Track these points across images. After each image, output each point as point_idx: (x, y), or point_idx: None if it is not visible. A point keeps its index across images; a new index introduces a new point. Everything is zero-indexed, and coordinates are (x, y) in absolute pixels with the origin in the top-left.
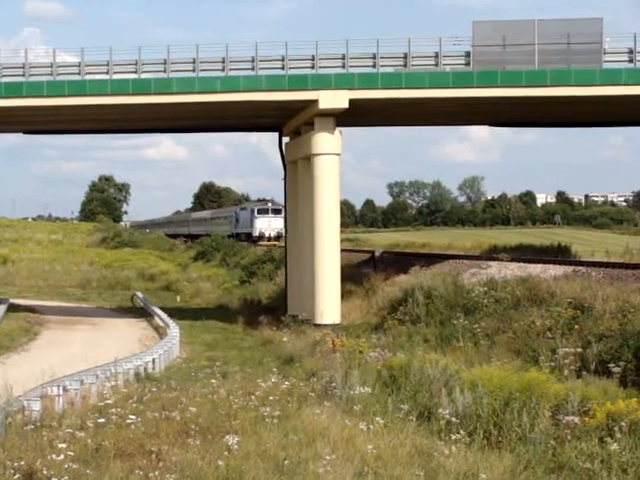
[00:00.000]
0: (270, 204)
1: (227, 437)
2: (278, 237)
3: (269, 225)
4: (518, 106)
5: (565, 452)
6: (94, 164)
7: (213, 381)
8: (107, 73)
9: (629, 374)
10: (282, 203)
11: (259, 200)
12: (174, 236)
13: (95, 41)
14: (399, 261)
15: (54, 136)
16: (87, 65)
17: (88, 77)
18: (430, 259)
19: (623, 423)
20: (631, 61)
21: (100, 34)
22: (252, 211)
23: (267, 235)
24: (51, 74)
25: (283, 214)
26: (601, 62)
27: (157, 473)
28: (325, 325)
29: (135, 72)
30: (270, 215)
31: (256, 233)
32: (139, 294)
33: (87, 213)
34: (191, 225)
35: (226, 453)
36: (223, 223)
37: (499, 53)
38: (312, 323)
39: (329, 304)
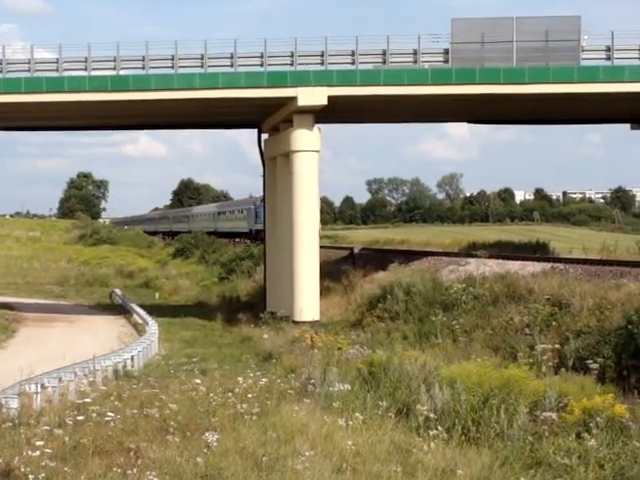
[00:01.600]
0: None
1: (206, 434)
2: None
3: None
4: (496, 103)
5: (543, 448)
6: (72, 161)
7: (197, 380)
8: (85, 70)
9: (607, 370)
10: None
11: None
12: (171, 234)
13: (73, 37)
14: (378, 258)
15: (31, 133)
16: (65, 61)
17: (66, 74)
18: (409, 256)
19: (600, 419)
20: (609, 58)
21: (79, 30)
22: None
23: None
24: (29, 70)
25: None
26: (579, 59)
27: (135, 470)
28: (304, 322)
29: (114, 69)
30: None
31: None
32: (117, 291)
33: (65, 210)
34: (192, 221)
35: (205, 450)
36: (237, 218)
37: (477, 50)
38: (291, 320)
39: (308, 301)
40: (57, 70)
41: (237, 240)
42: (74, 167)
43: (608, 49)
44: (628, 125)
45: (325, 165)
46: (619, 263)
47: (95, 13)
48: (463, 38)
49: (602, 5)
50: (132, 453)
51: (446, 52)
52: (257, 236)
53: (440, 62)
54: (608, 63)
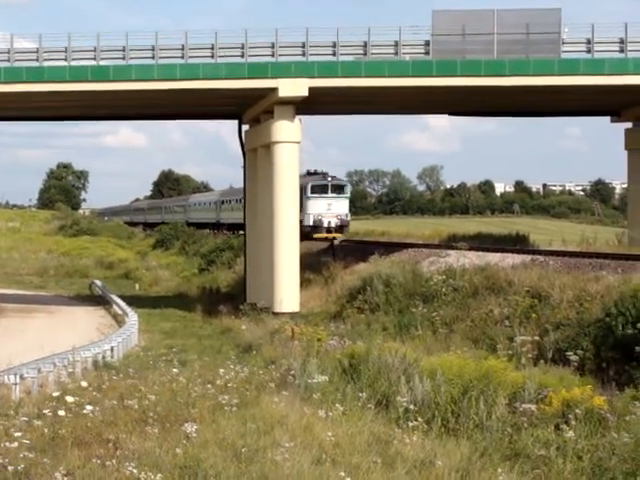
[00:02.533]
0: (330, 178)
1: (185, 425)
2: (342, 227)
3: (329, 209)
4: (477, 95)
5: (521, 439)
6: (52, 152)
7: (174, 370)
8: (65, 60)
9: (586, 362)
10: (344, 179)
11: (310, 173)
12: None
13: (53, 27)
14: (358, 249)
15: (10, 123)
16: (45, 51)
17: (46, 63)
18: (389, 248)
19: (578, 410)
20: (589, 51)
21: (59, 20)
22: (302, 188)
23: (326, 224)
24: (8, 60)
25: (348, 192)
26: (559, 52)
27: (114, 461)
28: (284, 313)
29: (94, 59)
30: (330, 194)
31: (309, 221)
32: (97, 282)
33: (45, 201)
34: (189, 211)
35: (184, 441)
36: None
37: (458, 42)
38: (271, 311)
39: (288, 292)
40: (37, 60)
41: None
42: (54, 157)
43: (588, 42)
44: (608, 118)
45: (306, 156)
46: (598, 255)
47: (74, 3)
48: (444, 30)
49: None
50: (111, 444)
51: (427, 44)
52: None
53: (421, 54)
54: (588, 56)
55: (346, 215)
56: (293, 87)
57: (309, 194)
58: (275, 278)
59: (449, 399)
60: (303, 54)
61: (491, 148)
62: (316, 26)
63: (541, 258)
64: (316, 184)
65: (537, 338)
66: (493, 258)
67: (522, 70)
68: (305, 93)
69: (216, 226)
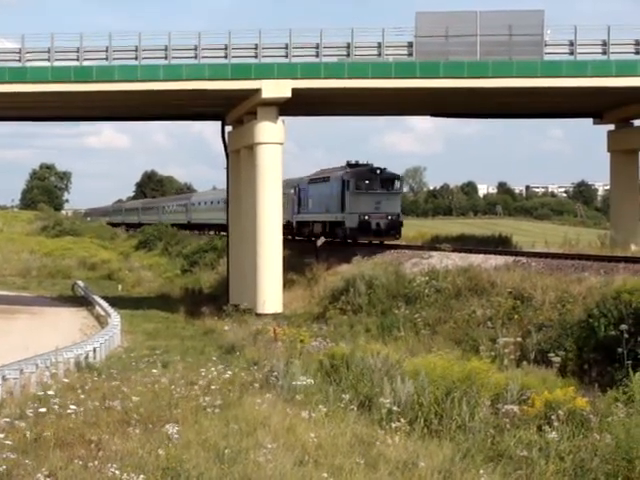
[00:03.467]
0: (379, 171)
1: (168, 426)
2: (393, 229)
3: (377, 208)
4: (460, 97)
5: (504, 440)
6: (34, 152)
7: (154, 370)
8: (48, 60)
9: (568, 364)
10: (393, 171)
11: (350, 165)
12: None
13: (36, 27)
14: (341, 250)
15: None
16: (28, 52)
17: (29, 64)
18: (372, 249)
19: (561, 412)
20: (572, 53)
21: (41, 20)
22: (344, 183)
23: (374, 226)
24: None
25: (399, 186)
26: (542, 54)
27: (97, 463)
28: (267, 314)
29: (77, 59)
30: (379, 190)
31: (353, 223)
32: (80, 283)
33: (27, 201)
34: (191, 211)
35: (167, 442)
36: None
37: (442, 44)
38: (254, 312)
39: (271, 293)
40: (20, 60)
41: None
42: (36, 158)
43: (571, 44)
44: (591, 120)
45: (290, 158)
46: (581, 257)
47: (56, 3)
48: (427, 32)
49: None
50: (93, 445)
51: (410, 45)
52: (302, 232)
53: (404, 55)
54: (571, 58)
55: (398, 215)
56: (276, 88)
57: (353, 189)
58: (258, 279)
59: (432, 400)
60: (286, 55)
61: (474, 149)
62: (300, 27)
63: (524, 260)
64: (362, 178)
65: (520, 339)
66: (476, 259)
67: (505, 72)
68: (288, 94)
69: (225, 228)
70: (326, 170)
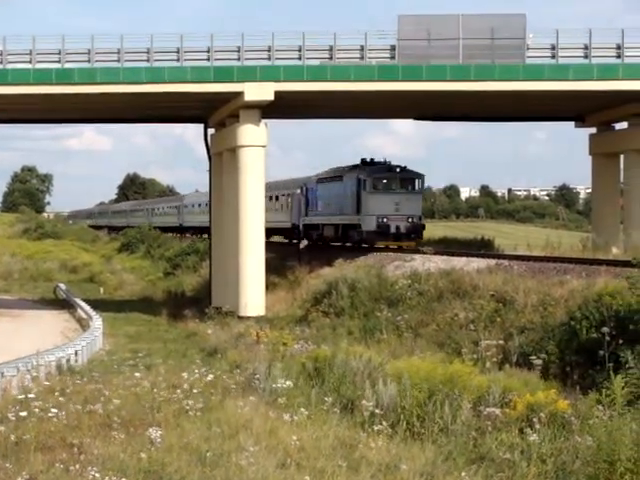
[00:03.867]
0: (398, 169)
1: (150, 430)
2: (414, 232)
3: (397, 209)
4: (442, 100)
5: (486, 443)
6: (13, 154)
7: (136, 374)
8: (30, 62)
9: (550, 366)
10: (414, 170)
11: (365, 163)
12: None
13: (17, 29)
14: (324, 253)
15: None
16: (9, 54)
17: (10, 66)
18: (354, 252)
19: (542, 414)
20: (553, 57)
21: (22, 22)
22: (360, 182)
23: (393, 229)
24: None
25: (419, 185)
26: (524, 57)
27: (78, 466)
28: (249, 317)
29: (58, 62)
30: (399, 190)
31: (371, 225)
32: (62, 286)
33: (9, 204)
34: (185, 214)
35: (149, 446)
36: (271, 209)
37: (424, 47)
38: (236, 315)
39: (253, 296)
40: (1, 62)
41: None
42: (17, 160)
43: (553, 47)
44: (572, 123)
45: (273, 161)
46: (563, 260)
47: (38, 5)
48: (409, 35)
49: (548, 5)
50: (75, 449)
51: (393, 49)
52: (310, 236)
53: (387, 58)
54: (553, 61)
55: (419, 217)
56: (259, 91)
57: (370, 189)
58: (240, 282)
59: (414, 403)
60: (269, 58)
61: (456, 152)
62: (283, 30)
63: (506, 262)
64: (379, 177)
65: (502, 342)
66: (458, 262)
67: (487, 75)
68: (271, 97)
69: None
70: (338, 168)
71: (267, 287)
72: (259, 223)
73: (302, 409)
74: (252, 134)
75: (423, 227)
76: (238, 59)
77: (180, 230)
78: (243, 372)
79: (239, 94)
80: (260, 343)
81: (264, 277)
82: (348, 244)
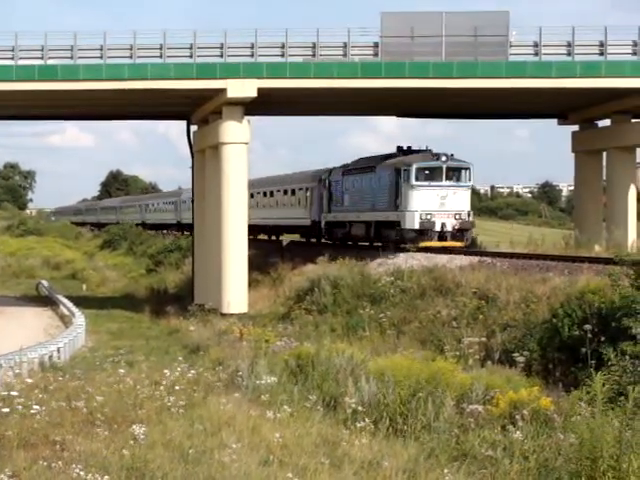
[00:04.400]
0: (444, 158)
1: (133, 426)
2: (462, 231)
3: (442, 205)
4: (425, 97)
5: (468, 440)
6: None
7: (120, 370)
8: (12, 59)
9: (533, 363)
10: (463, 159)
11: (403, 151)
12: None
13: (2, 26)
14: (307, 250)
15: None
16: None
17: None
18: (337, 249)
19: (525, 411)
20: (536, 54)
21: (4, 19)
22: (398, 173)
23: (438, 227)
24: None
25: (468, 176)
26: (507, 55)
27: (61, 463)
28: (232, 314)
29: (41, 58)
30: (445, 182)
31: (413, 223)
32: (44, 282)
33: None
34: (183, 210)
35: (131, 442)
36: (287, 204)
37: (407, 45)
38: (219, 312)
39: (236, 293)
40: None
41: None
42: (0, 157)
43: (536, 45)
44: (555, 120)
45: (256, 157)
46: (545, 257)
47: (20, 2)
48: (392, 32)
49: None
50: (58, 446)
51: (376, 46)
52: (333, 234)
53: (370, 56)
54: (536, 59)
55: (468, 213)
56: (242, 88)
57: (412, 181)
58: (223, 279)
59: (397, 400)
60: (252, 55)
61: (439, 149)
62: (266, 27)
63: (488, 260)
64: (423, 167)
65: (484, 339)
66: (441, 260)
67: (470, 72)
68: (254, 94)
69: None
70: (369, 158)
71: (250, 284)
72: (242, 220)
73: (285, 406)
74: (235, 131)
75: (473, 225)
76: (221, 56)
77: (178, 227)
78: (226, 369)
79: (222, 91)
80: (243, 340)
81: (247, 274)
82: (381, 244)
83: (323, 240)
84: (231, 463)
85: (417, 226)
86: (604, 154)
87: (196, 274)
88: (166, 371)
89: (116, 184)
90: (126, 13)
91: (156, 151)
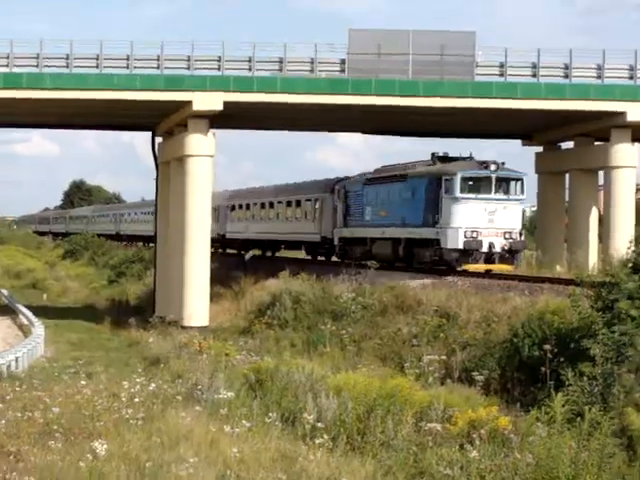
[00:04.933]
0: (493, 167)
1: (90, 439)
2: (513, 252)
3: (491, 221)
4: (391, 115)
5: (426, 458)
6: None
7: (78, 382)
8: None
9: (492, 382)
10: (515, 169)
11: (441, 158)
12: (120, 239)
13: None
14: (269, 265)
15: None
16: None
17: None
18: (300, 264)
19: (483, 430)
20: (502, 75)
21: None
22: (438, 183)
23: (486, 247)
24: None
25: (520, 189)
26: (473, 74)
27: (15, 474)
28: (193, 327)
29: (7, 66)
30: (494, 195)
31: (456, 242)
32: (4, 291)
33: None
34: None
35: (88, 455)
36: (295, 217)
37: (374, 62)
38: (180, 325)
39: (197, 306)
40: None
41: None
42: None
43: (502, 66)
44: (520, 141)
45: (220, 170)
46: (507, 277)
47: None
48: (360, 49)
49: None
50: (12, 457)
51: (343, 62)
52: (351, 253)
53: (337, 72)
54: (502, 79)
55: (520, 232)
56: (208, 101)
57: (454, 193)
58: (185, 292)
59: (355, 417)
60: (219, 68)
61: None
62: (233, 40)
63: (450, 278)
64: (469, 176)
65: (444, 357)
66: (402, 277)
67: (436, 91)
68: (220, 107)
69: (222, 243)
70: (396, 166)
71: (212, 298)
72: (205, 233)
73: (243, 421)
74: (200, 144)
75: (524, 246)
76: (188, 68)
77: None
78: (185, 382)
79: (188, 103)
80: (203, 354)
81: (209, 287)
82: (414, 266)
83: (334, 259)
84: (188, 477)
85: (461, 245)
86: (567, 175)
87: (158, 286)
88: (125, 383)
89: (79, 194)
90: (95, 22)
91: (120, 161)
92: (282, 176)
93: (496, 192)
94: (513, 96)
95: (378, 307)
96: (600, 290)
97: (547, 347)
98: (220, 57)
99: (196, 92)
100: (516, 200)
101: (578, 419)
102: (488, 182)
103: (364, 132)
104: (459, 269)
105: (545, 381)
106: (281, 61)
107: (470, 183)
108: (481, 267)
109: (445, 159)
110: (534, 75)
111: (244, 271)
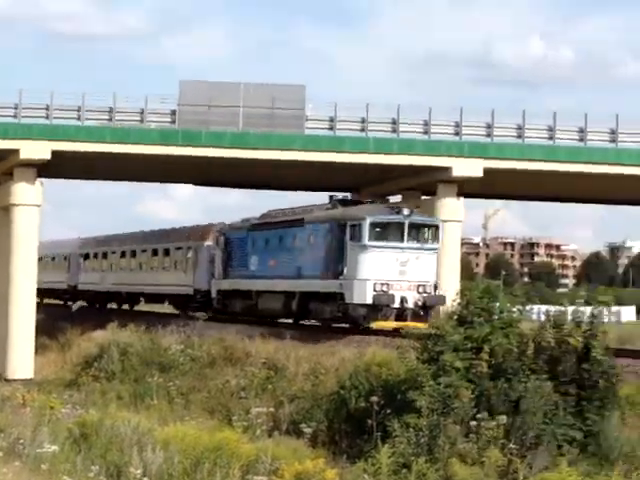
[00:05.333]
0: (407, 212)
1: None
2: (427, 307)
3: (403, 272)
4: (221, 167)
5: None
6: None
7: None
8: None
9: (319, 434)
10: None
11: (342, 202)
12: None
13: None
14: (97, 316)
15: None
16: None
17: None
18: (131, 315)
19: None
20: (331, 128)
21: None
22: (341, 230)
23: (397, 302)
24: None
25: (435, 238)
26: (303, 127)
27: None
28: (17, 380)
29: None
30: (406, 244)
31: (363, 296)
32: None
33: None
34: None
35: None
36: (155, 267)
37: (204, 113)
38: (3, 378)
39: (21, 359)
40: None
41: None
42: None
43: (331, 119)
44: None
45: (45, 218)
46: (336, 329)
47: None
48: (190, 100)
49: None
50: None
51: (173, 113)
52: (229, 307)
53: (168, 123)
54: (331, 133)
55: (435, 285)
56: (35, 150)
57: (362, 241)
58: (8, 344)
59: (182, 470)
60: (47, 117)
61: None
62: (62, 90)
63: (279, 330)
64: (380, 221)
65: (272, 410)
66: (232, 329)
67: (265, 143)
68: (48, 156)
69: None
70: (286, 210)
71: (37, 349)
72: (30, 283)
73: (65, 477)
74: (26, 193)
75: (442, 301)
76: (15, 116)
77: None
78: (7, 437)
79: (15, 152)
80: (26, 407)
81: (34, 339)
82: (307, 322)
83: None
84: None
85: (369, 300)
86: None
87: None
88: None
89: None
90: None
91: None
92: (115, 227)
93: (409, 240)
94: (342, 150)
95: (207, 359)
96: (426, 342)
97: (374, 399)
98: (48, 105)
99: (23, 140)
100: (430, 249)
101: (404, 470)
102: (400, 229)
103: (195, 184)
104: (366, 326)
105: (372, 433)
106: (111, 110)
107: (379, 230)
108: (391, 325)
109: (347, 202)
110: (363, 130)
111: (71, 322)
